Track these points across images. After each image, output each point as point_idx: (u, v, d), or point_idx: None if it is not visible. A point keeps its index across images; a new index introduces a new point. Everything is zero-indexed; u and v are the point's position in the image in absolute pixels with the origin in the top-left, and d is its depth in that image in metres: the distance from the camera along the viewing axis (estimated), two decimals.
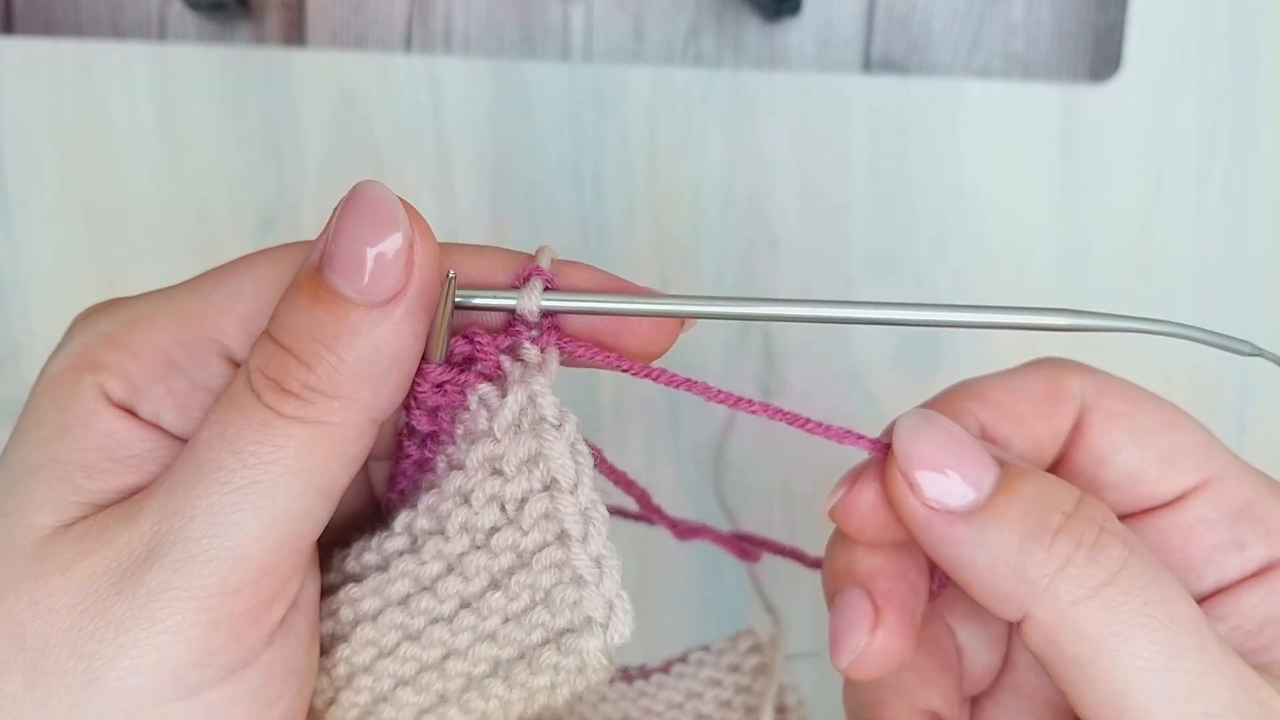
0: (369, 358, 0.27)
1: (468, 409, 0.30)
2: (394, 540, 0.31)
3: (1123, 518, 0.32)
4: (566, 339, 0.30)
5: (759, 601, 0.43)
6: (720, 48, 0.56)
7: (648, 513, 0.38)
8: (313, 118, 0.57)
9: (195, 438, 0.28)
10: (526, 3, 0.56)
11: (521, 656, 0.30)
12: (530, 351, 0.29)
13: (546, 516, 0.29)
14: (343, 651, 0.31)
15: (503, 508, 0.29)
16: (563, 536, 0.28)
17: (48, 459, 0.28)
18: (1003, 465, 0.30)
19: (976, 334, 0.51)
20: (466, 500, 0.29)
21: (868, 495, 0.32)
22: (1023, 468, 0.30)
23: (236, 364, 0.30)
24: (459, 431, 0.30)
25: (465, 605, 0.30)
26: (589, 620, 0.29)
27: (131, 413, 0.29)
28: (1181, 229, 0.58)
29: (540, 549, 0.29)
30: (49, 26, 0.56)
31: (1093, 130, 0.57)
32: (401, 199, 0.28)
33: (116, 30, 0.56)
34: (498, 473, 0.29)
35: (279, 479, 0.27)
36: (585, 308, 0.30)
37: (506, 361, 0.30)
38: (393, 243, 0.27)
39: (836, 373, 0.58)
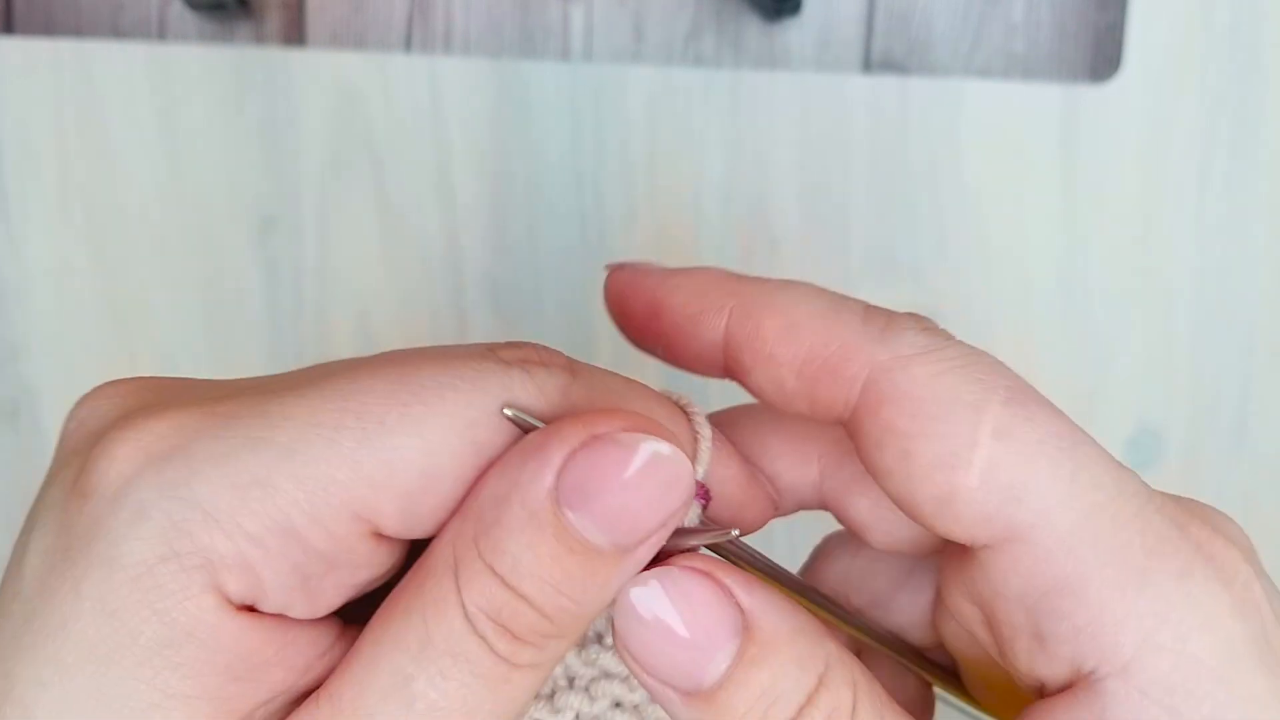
0: (607, 600, 0.24)
1: None
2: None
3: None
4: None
5: None
6: (720, 48, 0.56)
7: None
8: (312, 117, 0.57)
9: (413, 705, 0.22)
10: (526, 3, 0.56)
11: None
12: None
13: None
14: None
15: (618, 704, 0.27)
16: None
17: (163, 695, 0.21)
18: (744, 633, 0.24)
19: (972, 334, 0.51)
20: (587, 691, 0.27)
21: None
22: (762, 646, 0.24)
23: (384, 538, 0.24)
24: None
25: None
26: None
27: (252, 610, 0.23)
28: (1182, 229, 0.58)
29: None
30: (49, 26, 0.56)
31: (1093, 130, 0.57)
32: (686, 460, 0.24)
33: (116, 30, 0.56)
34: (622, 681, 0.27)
35: None
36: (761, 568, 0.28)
37: None
38: (671, 518, 0.24)
39: None
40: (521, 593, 0.22)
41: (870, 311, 0.27)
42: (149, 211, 0.57)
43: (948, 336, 0.27)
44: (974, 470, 0.25)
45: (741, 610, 0.25)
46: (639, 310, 0.28)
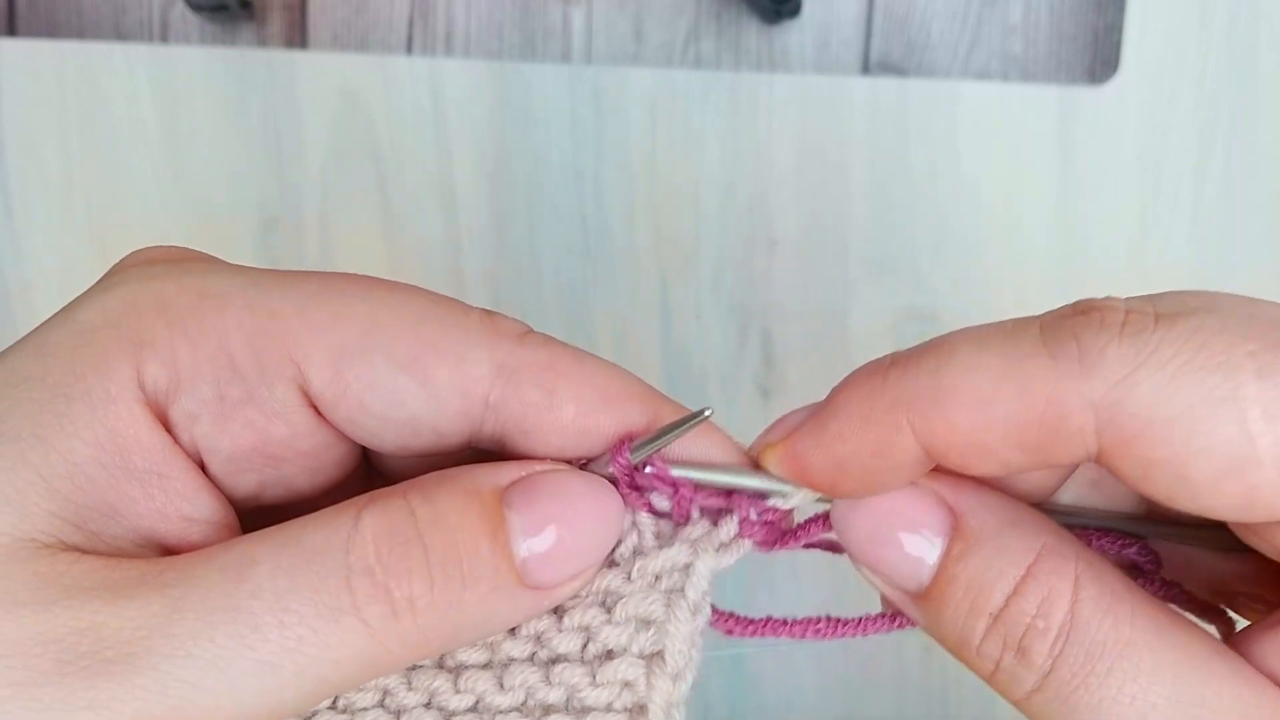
0: (476, 621, 0.24)
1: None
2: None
3: None
4: (767, 542, 0.27)
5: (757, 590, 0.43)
6: (720, 50, 0.57)
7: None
8: (314, 119, 0.57)
9: (251, 566, 0.22)
10: (527, 4, 0.56)
11: None
12: (728, 528, 0.26)
13: (628, 684, 0.25)
14: None
15: (586, 644, 0.26)
16: (636, 712, 0.25)
17: (32, 433, 0.22)
18: (953, 531, 0.25)
19: None
20: (557, 614, 0.26)
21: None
22: (969, 541, 0.25)
23: (307, 395, 0.25)
24: None
25: (474, 710, 0.26)
26: None
27: (160, 411, 0.24)
28: (1179, 230, 0.58)
29: (602, 710, 0.25)
30: (51, 28, 0.57)
31: (1090, 132, 0.57)
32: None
33: (119, 32, 0.57)
34: (606, 609, 0.26)
35: (300, 675, 0.22)
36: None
37: (696, 514, 0.27)
38: (590, 565, 0.25)
39: (836, 373, 0.58)
40: (427, 543, 0.23)
41: (1049, 337, 0.24)
42: (152, 212, 0.57)
43: (1140, 322, 0.23)
44: (1265, 464, 0.21)
45: (951, 511, 0.25)
46: (830, 476, 0.26)
